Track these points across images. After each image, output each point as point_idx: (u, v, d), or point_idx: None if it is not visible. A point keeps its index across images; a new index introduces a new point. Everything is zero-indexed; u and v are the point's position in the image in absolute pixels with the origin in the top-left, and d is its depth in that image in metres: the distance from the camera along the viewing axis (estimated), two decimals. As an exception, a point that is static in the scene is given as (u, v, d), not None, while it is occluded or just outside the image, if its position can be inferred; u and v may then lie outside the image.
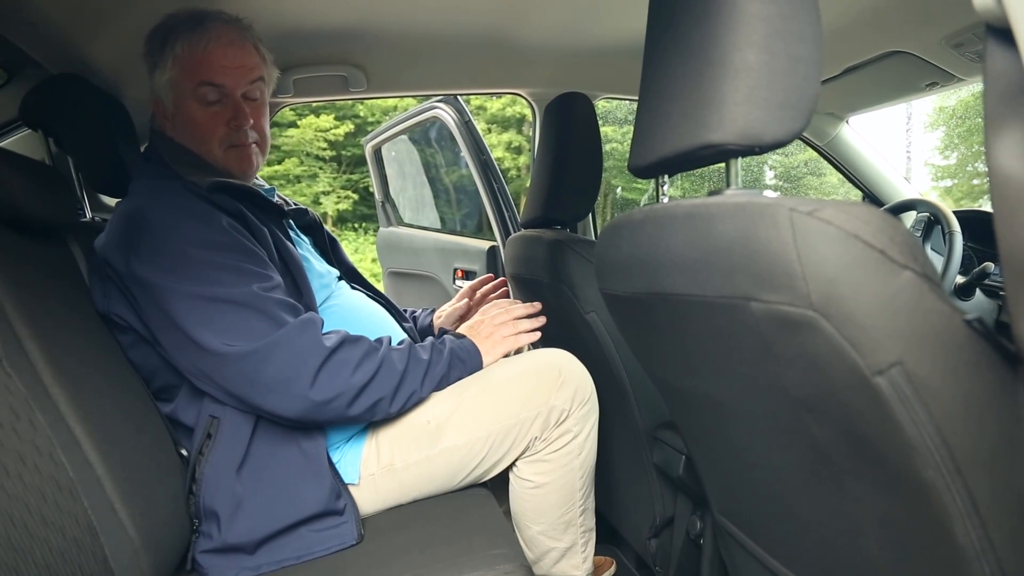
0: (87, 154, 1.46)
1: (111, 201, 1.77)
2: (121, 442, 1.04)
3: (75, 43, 1.35)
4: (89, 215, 1.56)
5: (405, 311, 1.65)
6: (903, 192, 2.32)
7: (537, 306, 1.40)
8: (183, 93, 1.24)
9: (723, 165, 0.77)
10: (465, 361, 1.26)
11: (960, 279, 1.72)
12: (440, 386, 1.23)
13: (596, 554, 1.42)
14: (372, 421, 1.21)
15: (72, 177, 1.53)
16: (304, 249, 1.39)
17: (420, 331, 1.66)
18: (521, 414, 1.23)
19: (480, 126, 2.49)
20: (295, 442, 1.15)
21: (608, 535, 1.74)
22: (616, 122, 8.53)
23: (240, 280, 1.09)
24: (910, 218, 2.00)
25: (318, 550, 1.12)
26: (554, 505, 1.29)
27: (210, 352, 1.06)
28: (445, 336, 1.30)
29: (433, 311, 1.73)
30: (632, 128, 0.91)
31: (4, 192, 1.02)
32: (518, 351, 1.62)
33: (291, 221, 1.41)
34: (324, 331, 1.15)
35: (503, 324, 1.35)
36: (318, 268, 1.36)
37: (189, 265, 1.08)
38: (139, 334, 1.15)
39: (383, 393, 1.14)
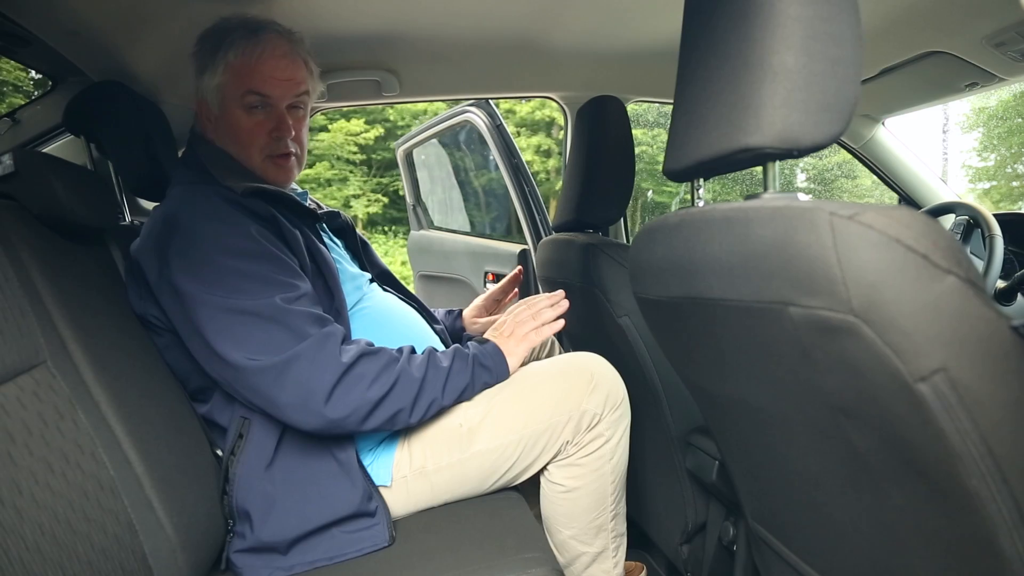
0: (127, 159, 1.48)
1: (149, 205, 1.80)
2: (159, 442, 1.06)
3: (116, 51, 1.38)
4: (128, 219, 1.59)
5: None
6: (940, 195, 2.27)
7: (560, 294, 1.37)
8: (230, 99, 1.26)
9: (755, 168, 0.76)
10: (490, 368, 1.25)
11: (1001, 283, 1.69)
12: (465, 395, 1.22)
13: (627, 559, 1.41)
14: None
15: (112, 181, 1.56)
16: (336, 252, 1.40)
17: (451, 335, 1.67)
18: (553, 418, 1.23)
19: (510, 130, 2.50)
20: (327, 444, 1.16)
21: (639, 540, 1.73)
22: (646, 125, 8.48)
23: (264, 290, 1.09)
24: (948, 221, 1.96)
25: (350, 551, 1.13)
26: (585, 509, 1.28)
27: (230, 364, 1.07)
28: (469, 343, 1.29)
29: (460, 313, 1.74)
30: (663, 131, 0.90)
31: (48, 196, 1.05)
32: (548, 353, 1.62)
33: (323, 225, 1.42)
34: (354, 336, 1.17)
35: (525, 321, 1.33)
36: (350, 271, 1.38)
37: (215, 273, 1.08)
38: (175, 335, 1.17)
39: (401, 405, 1.13)
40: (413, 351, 1.21)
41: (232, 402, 1.18)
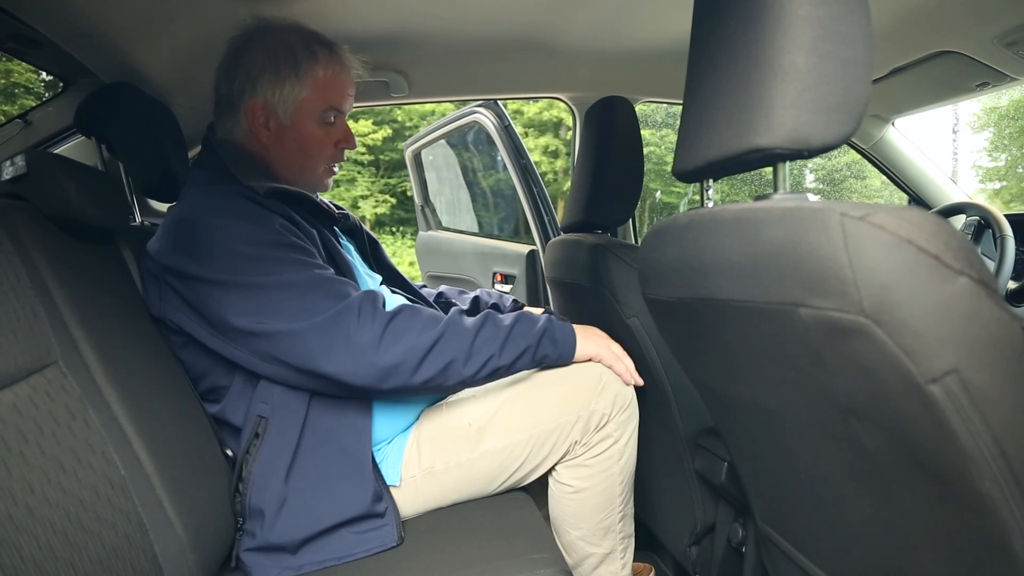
0: (137, 160, 1.49)
1: (160, 206, 1.81)
2: (169, 441, 1.06)
3: (127, 54, 1.38)
4: (139, 219, 1.60)
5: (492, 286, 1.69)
6: (951, 195, 2.26)
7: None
8: (308, 113, 1.28)
9: (765, 168, 0.76)
10: (558, 342, 1.23)
11: (1012, 284, 1.68)
12: (524, 359, 1.19)
13: (635, 561, 1.41)
14: (449, 393, 1.23)
15: (123, 182, 1.57)
16: (349, 254, 1.40)
17: None
18: (561, 418, 1.23)
19: (518, 130, 2.50)
20: (340, 444, 1.17)
21: (647, 542, 1.72)
22: (654, 125, 8.47)
23: (299, 268, 1.11)
24: (959, 222, 1.95)
25: (359, 551, 1.13)
26: (593, 510, 1.28)
27: (278, 334, 1.08)
28: (548, 315, 1.28)
29: (522, 307, 1.74)
30: (671, 132, 0.90)
31: (60, 197, 1.05)
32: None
33: (337, 227, 1.43)
34: None
35: (614, 345, 1.32)
36: (362, 272, 1.38)
37: (248, 262, 1.10)
38: (191, 336, 1.17)
39: (454, 355, 1.12)
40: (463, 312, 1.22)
41: (247, 401, 1.18)
